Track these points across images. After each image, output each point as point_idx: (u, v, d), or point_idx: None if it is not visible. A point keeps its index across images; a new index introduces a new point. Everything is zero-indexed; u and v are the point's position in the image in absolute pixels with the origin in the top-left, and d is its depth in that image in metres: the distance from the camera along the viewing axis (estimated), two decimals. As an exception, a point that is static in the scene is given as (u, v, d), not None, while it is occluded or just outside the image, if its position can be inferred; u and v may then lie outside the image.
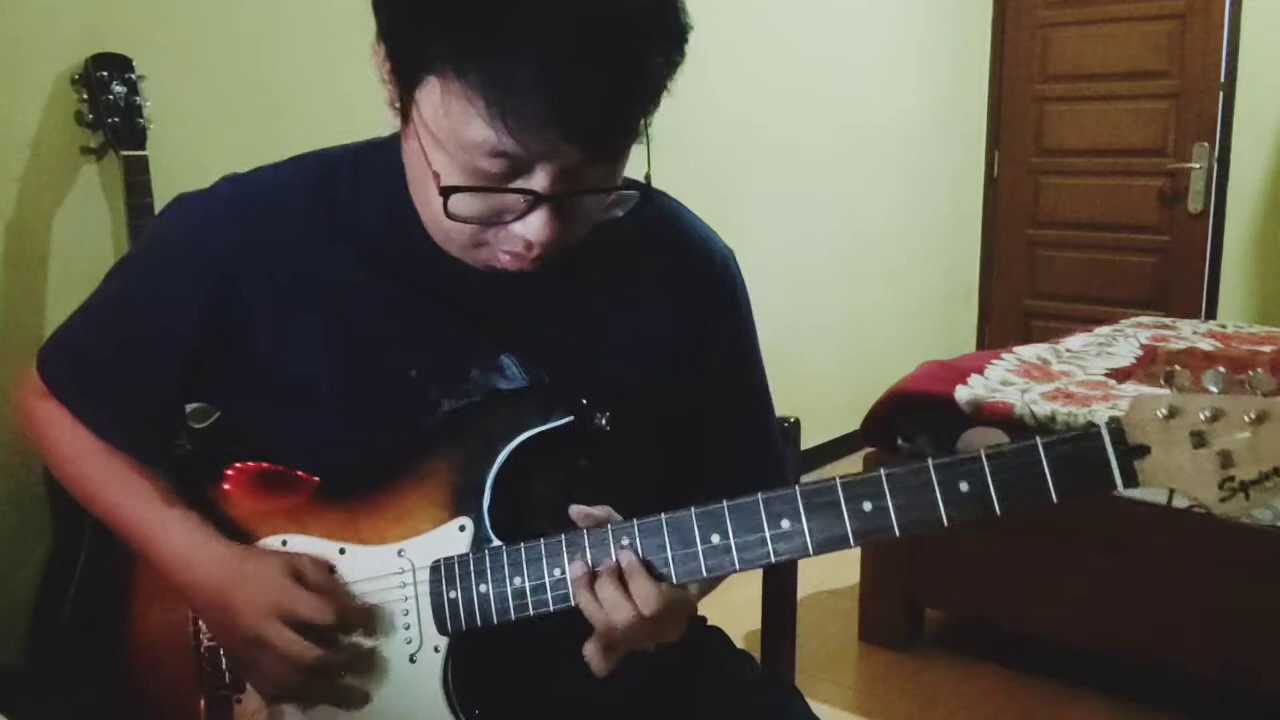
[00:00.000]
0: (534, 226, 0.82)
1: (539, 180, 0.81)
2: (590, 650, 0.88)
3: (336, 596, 0.92)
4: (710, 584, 0.95)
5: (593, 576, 0.87)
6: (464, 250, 0.88)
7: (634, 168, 0.87)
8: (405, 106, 0.83)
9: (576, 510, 0.89)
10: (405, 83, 0.82)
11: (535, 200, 0.81)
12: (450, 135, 0.79)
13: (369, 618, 0.94)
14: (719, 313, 1.04)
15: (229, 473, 1.00)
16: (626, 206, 0.88)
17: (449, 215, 0.83)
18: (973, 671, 2.48)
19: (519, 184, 0.81)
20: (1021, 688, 2.41)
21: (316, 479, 0.97)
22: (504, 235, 0.85)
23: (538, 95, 0.75)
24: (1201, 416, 0.76)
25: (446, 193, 0.81)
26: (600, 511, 0.89)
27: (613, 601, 0.85)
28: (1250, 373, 0.75)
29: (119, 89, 1.87)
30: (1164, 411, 0.77)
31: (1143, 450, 0.78)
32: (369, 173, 0.95)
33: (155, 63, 1.95)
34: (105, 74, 1.86)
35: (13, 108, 1.84)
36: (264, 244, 0.94)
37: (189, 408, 1.07)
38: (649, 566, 0.86)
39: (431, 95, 0.80)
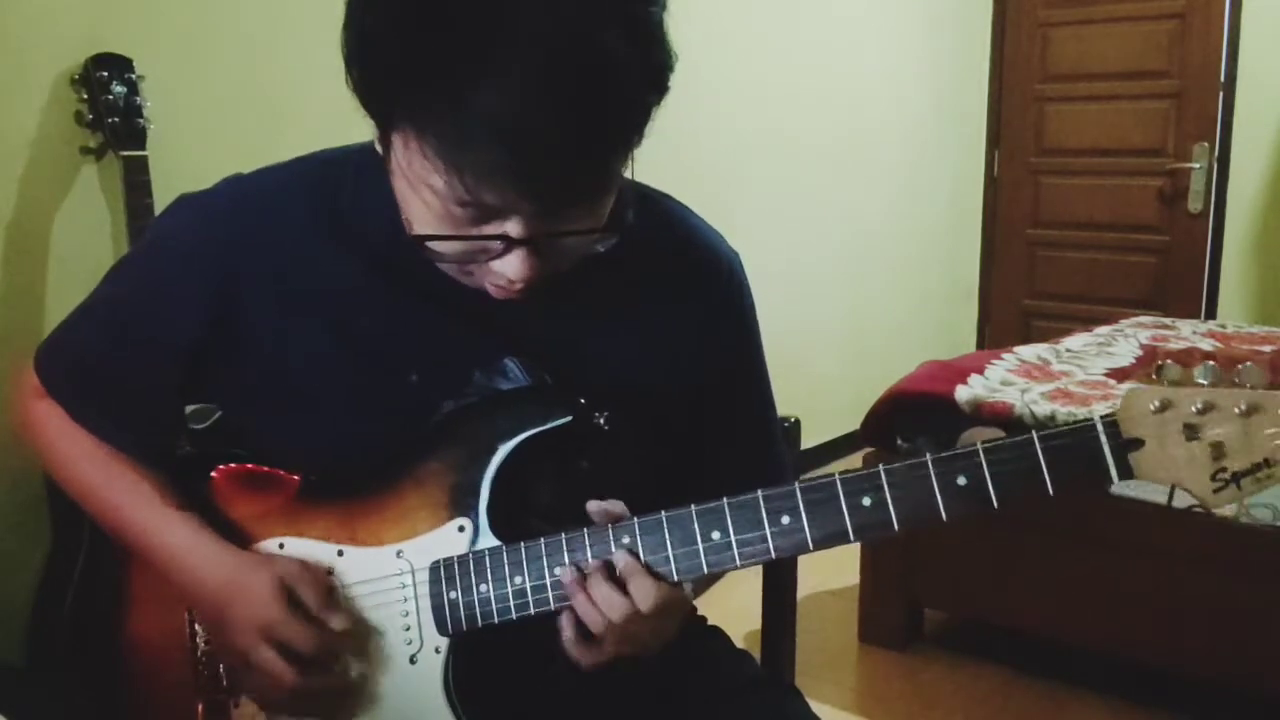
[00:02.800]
0: (512, 266, 0.82)
1: (513, 225, 0.80)
2: (568, 638, 0.88)
3: (330, 615, 0.92)
4: (706, 581, 0.95)
5: (584, 578, 0.86)
6: (454, 275, 0.88)
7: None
8: (384, 146, 0.83)
9: (594, 505, 0.89)
10: (379, 126, 0.82)
11: (510, 243, 0.81)
12: (421, 183, 0.79)
13: (365, 631, 0.94)
14: (724, 316, 1.03)
15: (214, 476, 1.00)
16: (608, 243, 0.86)
17: (427, 256, 0.83)
18: (973, 671, 2.48)
19: (492, 228, 0.80)
20: (1021, 688, 2.41)
21: (297, 478, 0.97)
22: (486, 270, 0.85)
23: (494, 157, 0.74)
24: (1193, 409, 0.77)
25: (419, 240, 0.82)
26: (616, 507, 0.89)
27: (609, 600, 0.85)
28: (1240, 366, 0.77)
29: (119, 89, 1.87)
30: (1156, 405, 0.78)
31: (1137, 443, 0.79)
32: (371, 175, 0.94)
33: (155, 63, 1.96)
34: (105, 74, 1.86)
35: (13, 108, 1.84)
36: (266, 245, 0.94)
37: (189, 408, 1.07)
38: (644, 564, 0.86)
39: (399, 144, 0.80)
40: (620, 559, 0.86)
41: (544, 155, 0.74)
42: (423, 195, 0.80)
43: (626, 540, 0.87)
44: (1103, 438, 0.79)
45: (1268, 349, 2.85)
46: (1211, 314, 4.15)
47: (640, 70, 0.77)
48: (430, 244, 0.82)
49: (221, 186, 0.97)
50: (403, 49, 0.75)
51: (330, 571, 0.95)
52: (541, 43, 0.72)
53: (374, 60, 0.78)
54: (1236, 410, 0.76)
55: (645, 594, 0.85)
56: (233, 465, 1.00)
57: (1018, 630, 2.45)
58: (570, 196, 0.79)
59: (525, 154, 0.74)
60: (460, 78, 0.73)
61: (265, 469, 0.98)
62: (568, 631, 0.88)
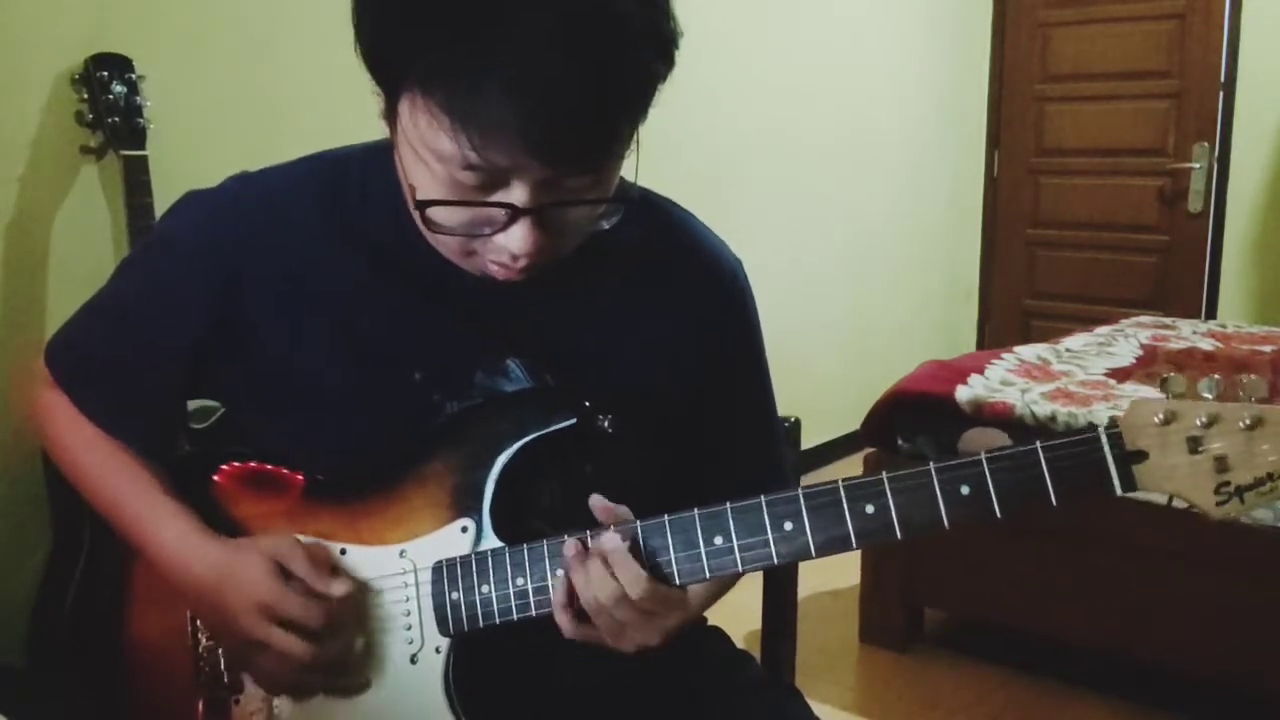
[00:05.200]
0: (515, 239, 0.82)
1: (517, 193, 0.80)
2: (559, 608, 0.88)
3: (327, 583, 0.91)
4: (715, 594, 0.95)
5: (585, 554, 0.87)
6: (456, 258, 0.88)
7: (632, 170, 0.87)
8: (390, 118, 0.83)
9: (597, 500, 0.89)
10: (387, 96, 0.82)
11: (514, 213, 0.81)
12: (425, 148, 0.79)
13: (367, 622, 0.94)
14: (727, 322, 1.04)
15: (217, 476, 1.00)
16: (613, 218, 0.86)
17: (428, 226, 0.83)
18: (973, 671, 2.48)
19: (498, 197, 0.80)
20: (1021, 688, 2.41)
21: (301, 477, 0.97)
22: (490, 246, 0.84)
23: (502, 110, 0.74)
24: (1198, 422, 0.77)
25: (421, 206, 0.82)
26: (620, 509, 0.89)
27: (600, 579, 0.85)
28: (1245, 379, 0.76)
29: (119, 89, 1.87)
30: (1161, 417, 0.78)
31: (1140, 455, 0.79)
32: (376, 174, 0.95)
33: (155, 63, 1.96)
34: (105, 74, 1.86)
35: (13, 108, 1.84)
36: (272, 243, 0.94)
37: (190, 407, 1.07)
38: (637, 553, 0.86)
39: (406, 111, 0.80)
40: (609, 541, 0.86)
41: (551, 109, 0.74)
42: (429, 163, 0.80)
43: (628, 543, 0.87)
44: (1106, 449, 0.79)
45: (1268, 349, 2.85)
46: (1211, 314, 4.15)
47: (649, 34, 0.78)
48: (434, 215, 0.82)
49: (228, 184, 0.97)
50: (414, 3, 0.75)
51: (334, 560, 0.95)
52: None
53: (385, 17, 0.78)
54: (1241, 424, 0.76)
55: (633, 580, 0.85)
56: (237, 464, 1.00)
57: (1018, 630, 2.45)
58: (575, 156, 0.79)
59: (532, 107, 0.74)
60: (471, 31, 0.73)
61: (270, 468, 0.98)
62: (559, 595, 0.88)
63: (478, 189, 0.80)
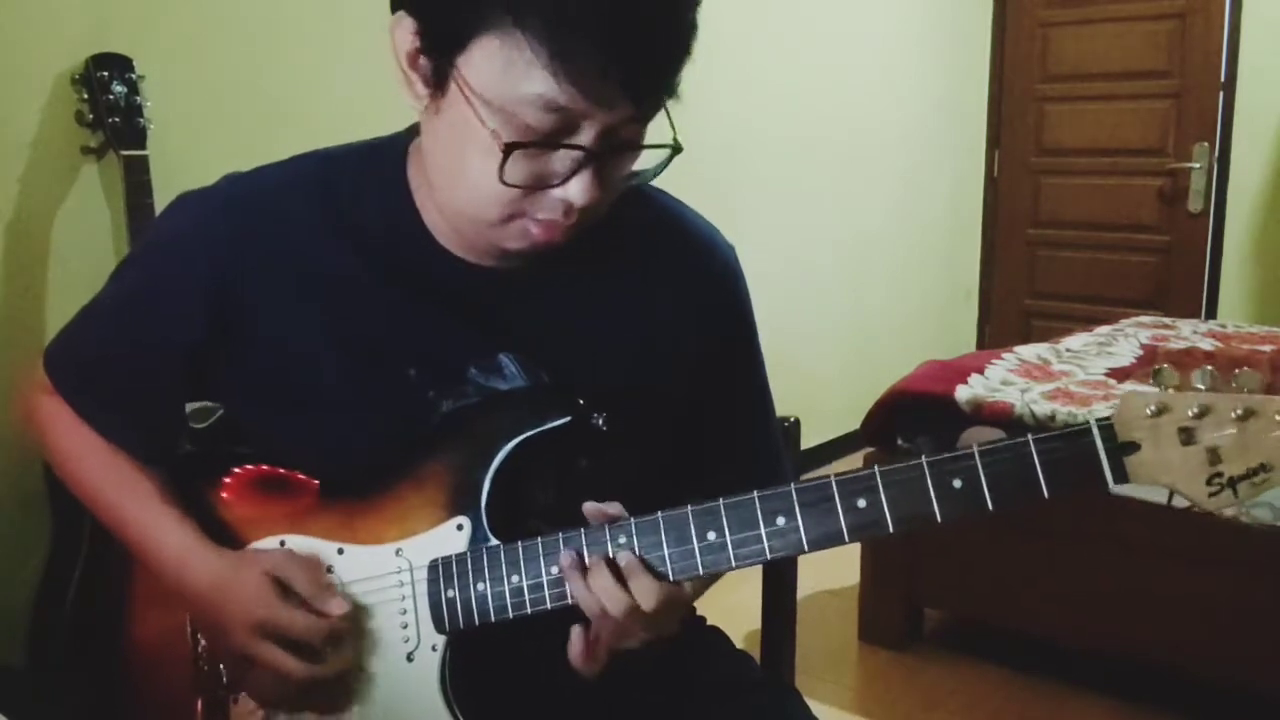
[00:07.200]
0: (576, 189, 0.83)
1: (586, 137, 0.81)
2: (575, 652, 0.89)
3: (326, 601, 0.92)
4: (706, 583, 0.95)
5: (584, 566, 0.87)
6: (491, 228, 0.87)
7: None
8: (442, 80, 0.83)
9: (590, 507, 0.89)
10: (446, 51, 0.81)
11: (582, 160, 0.82)
12: (502, 95, 0.79)
13: (364, 620, 0.94)
14: (721, 310, 1.04)
15: (229, 477, 1.00)
16: (656, 174, 0.88)
17: (504, 181, 0.82)
18: (972, 671, 2.48)
19: (570, 141, 0.82)
20: (1021, 688, 2.41)
21: (316, 482, 0.97)
22: (543, 202, 0.85)
23: (599, 43, 0.76)
24: (1189, 414, 0.77)
25: (510, 149, 0.80)
26: (613, 508, 0.89)
27: (609, 592, 0.85)
28: (1238, 370, 0.76)
29: (119, 89, 1.87)
30: (1153, 409, 0.78)
31: (1132, 447, 0.79)
32: (371, 172, 0.95)
33: (155, 63, 1.96)
34: (105, 74, 1.87)
35: (13, 108, 1.84)
36: (265, 242, 0.94)
37: (189, 407, 1.07)
38: (646, 563, 0.87)
39: (482, 55, 0.79)
40: (623, 558, 0.87)
41: (640, 40, 0.78)
42: (499, 115, 0.80)
43: (623, 540, 0.87)
44: (1098, 441, 0.79)
45: (1268, 349, 2.85)
46: (1211, 314, 4.15)
47: None
48: (513, 161, 0.81)
49: (221, 184, 0.97)
50: None
51: (329, 569, 0.95)
52: None
53: None
54: (1233, 414, 0.76)
55: (647, 592, 0.85)
56: (248, 467, 1.00)
57: (1018, 630, 2.45)
58: (654, 93, 0.82)
59: (624, 37, 0.77)
60: None
61: (268, 470, 0.98)
62: (577, 645, 0.88)
63: (548, 135, 0.81)
